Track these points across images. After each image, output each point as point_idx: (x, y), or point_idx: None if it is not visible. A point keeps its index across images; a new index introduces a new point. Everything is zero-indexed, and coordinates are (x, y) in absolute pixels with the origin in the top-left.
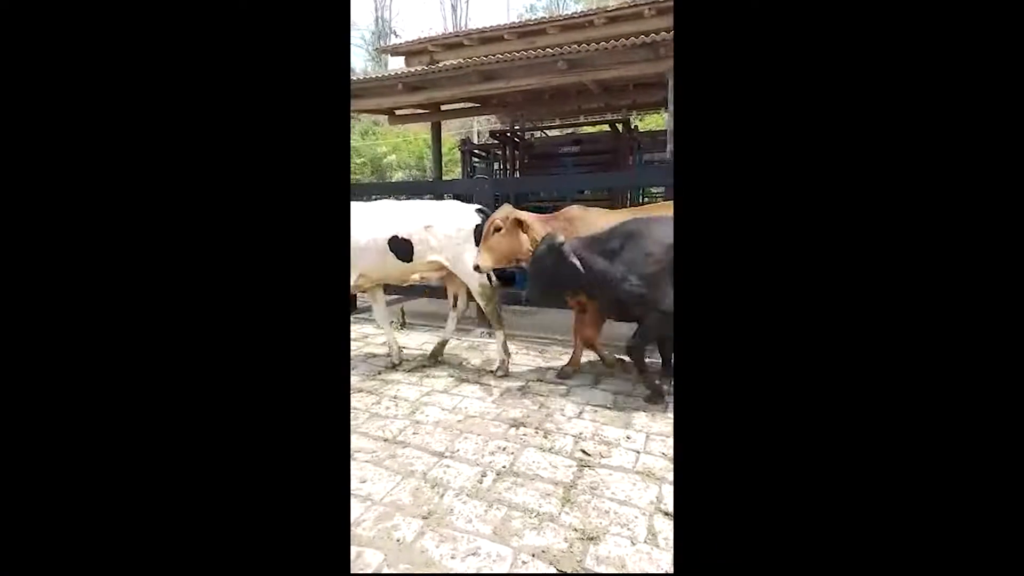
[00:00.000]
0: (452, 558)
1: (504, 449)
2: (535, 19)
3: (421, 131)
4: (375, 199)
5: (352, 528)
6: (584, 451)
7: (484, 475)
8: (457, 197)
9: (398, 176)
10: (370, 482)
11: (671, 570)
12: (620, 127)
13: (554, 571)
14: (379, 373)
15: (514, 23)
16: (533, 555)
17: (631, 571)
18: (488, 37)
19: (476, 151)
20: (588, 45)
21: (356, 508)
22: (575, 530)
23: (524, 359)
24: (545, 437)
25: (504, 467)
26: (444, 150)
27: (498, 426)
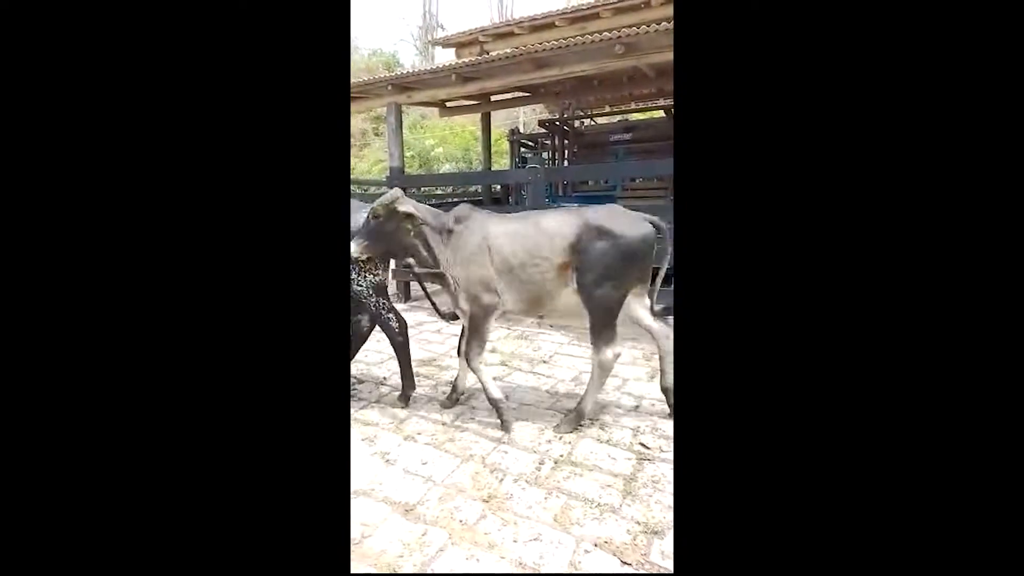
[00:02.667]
0: (515, 542)
1: (560, 439)
2: (587, 3)
3: (468, 123)
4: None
5: (415, 507)
6: (644, 444)
7: (542, 463)
8: (506, 187)
9: (445, 168)
10: (431, 463)
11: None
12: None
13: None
14: (434, 359)
15: (565, 9)
16: (596, 545)
17: None
18: (539, 25)
19: (524, 141)
20: (647, 27)
21: (419, 488)
22: (638, 523)
23: (576, 350)
24: (602, 429)
25: (561, 456)
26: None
27: (553, 416)
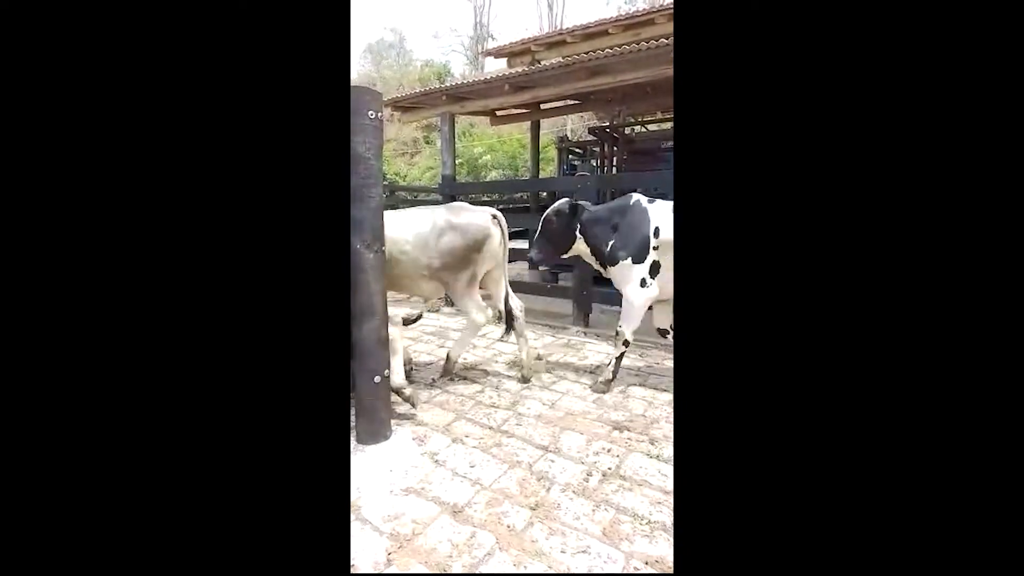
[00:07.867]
0: (562, 552)
1: (608, 451)
2: (641, 10)
3: (515, 131)
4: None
5: (464, 509)
6: None
7: (590, 474)
8: (553, 195)
9: (492, 175)
10: (479, 467)
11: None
12: None
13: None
14: (478, 364)
15: (619, 16)
16: (647, 563)
17: None
18: (592, 32)
19: (573, 148)
20: None
21: (467, 490)
22: None
23: (624, 361)
24: (652, 444)
25: (610, 469)
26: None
27: (601, 427)
